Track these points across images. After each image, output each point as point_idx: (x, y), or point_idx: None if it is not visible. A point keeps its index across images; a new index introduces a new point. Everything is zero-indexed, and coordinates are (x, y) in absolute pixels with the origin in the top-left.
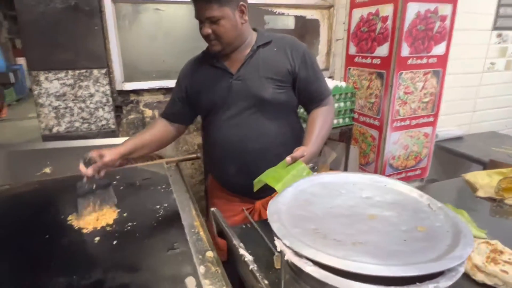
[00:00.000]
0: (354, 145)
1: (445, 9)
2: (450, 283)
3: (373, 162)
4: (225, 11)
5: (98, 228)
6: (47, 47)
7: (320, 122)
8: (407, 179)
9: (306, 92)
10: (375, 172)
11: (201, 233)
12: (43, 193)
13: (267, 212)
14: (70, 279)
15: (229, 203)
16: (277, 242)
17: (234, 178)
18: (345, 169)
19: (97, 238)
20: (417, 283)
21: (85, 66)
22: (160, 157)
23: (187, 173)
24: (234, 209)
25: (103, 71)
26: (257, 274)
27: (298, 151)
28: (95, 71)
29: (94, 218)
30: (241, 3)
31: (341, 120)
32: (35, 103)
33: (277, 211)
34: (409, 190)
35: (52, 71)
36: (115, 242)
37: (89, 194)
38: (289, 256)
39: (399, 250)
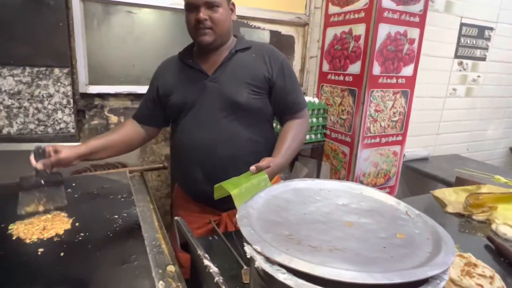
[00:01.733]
0: (326, 161)
1: (413, 33)
2: None
3: (344, 179)
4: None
5: (44, 239)
6: (3, 39)
7: (292, 135)
8: None
9: (282, 102)
10: None
11: (163, 246)
12: None
13: (237, 216)
14: None
15: (194, 214)
16: (247, 248)
17: (201, 185)
18: None
19: (40, 250)
20: None
21: (46, 64)
22: (124, 166)
23: (152, 186)
24: (199, 221)
25: (66, 70)
26: (223, 287)
27: (264, 161)
28: (57, 70)
29: (41, 227)
30: (232, 1)
31: (313, 136)
32: None
33: (247, 215)
34: (386, 198)
35: (7, 66)
36: (62, 253)
37: (35, 189)
38: (260, 263)
39: (379, 257)
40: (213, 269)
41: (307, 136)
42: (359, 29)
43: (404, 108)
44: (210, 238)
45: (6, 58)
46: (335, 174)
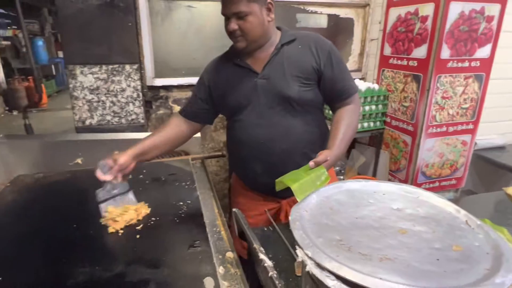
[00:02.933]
0: (385, 150)
1: (493, 9)
2: None
3: (404, 169)
4: (253, 7)
5: (128, 224)
6: (84, 42)
7: (345, 124)
8: (440, 189)
9: (331, 91)
10: (406, 179)
11: (222, 232)
12: (74, 183)
13: (290, 218)
14: (93, 269)
15: (254, 201)
16: (298, 251)
17: (260, 178)
18: (374, 175)
19: (121, 231)
20: None
21: (118, 61)
22: (186, 153)
23: (211, 170)
24: (259, 208)
25: (135, 66)
26: (276, 282)
27: (321, 156)
28: (127, 66)
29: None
30: (269, 0)
31: (372, 124)
32: (70, 95)
33: (299, 218)
34: (445, 204)
35: (87, 65)
36: (138, 236)
37: (110, 199)
38: (311, 267)
39: (431, 271)
40: (268, 263)
41: (365, 124)
42: (427, 9)
43: (477, 94)
44: (266, 229)
45: (86, 58)
46: (394, 164)
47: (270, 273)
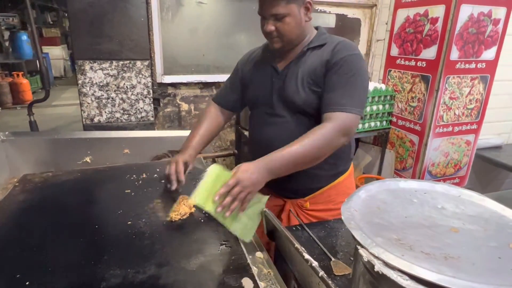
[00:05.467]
0: (390, 149)
1: (499, 12)
2: None
3: (410, 168)
4: (291, 8)
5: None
6: (94, 36)
7: (303, 142)
8: None
9: (323, 97)
10: (413, 178)
11: None
12: (86, 182)
13: (342, 217)
14: (125, 272)
15: None
16: (362, 251)
17: None
18: (379, 174)
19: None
20: None
21: (129, 57)
22: None
23: None
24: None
25: (146, 63)
26: (329, 282)
27: (232, 180)
28: (138, 63)
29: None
30: (308, 0)
31: (378, 123)
32: (78, 92)
33: (352, 217)
34: (488, 203)
35: (97, 60)
36: (167, 235)
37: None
38: (380, 267)
39: (498, 269)
40: (315, 263)
41: (372, 123)
42: (437, 11)
43: (481, 94)
44: (294, 228)
45: (96, 53)
46: (400, 163)
47: (321, 273)
